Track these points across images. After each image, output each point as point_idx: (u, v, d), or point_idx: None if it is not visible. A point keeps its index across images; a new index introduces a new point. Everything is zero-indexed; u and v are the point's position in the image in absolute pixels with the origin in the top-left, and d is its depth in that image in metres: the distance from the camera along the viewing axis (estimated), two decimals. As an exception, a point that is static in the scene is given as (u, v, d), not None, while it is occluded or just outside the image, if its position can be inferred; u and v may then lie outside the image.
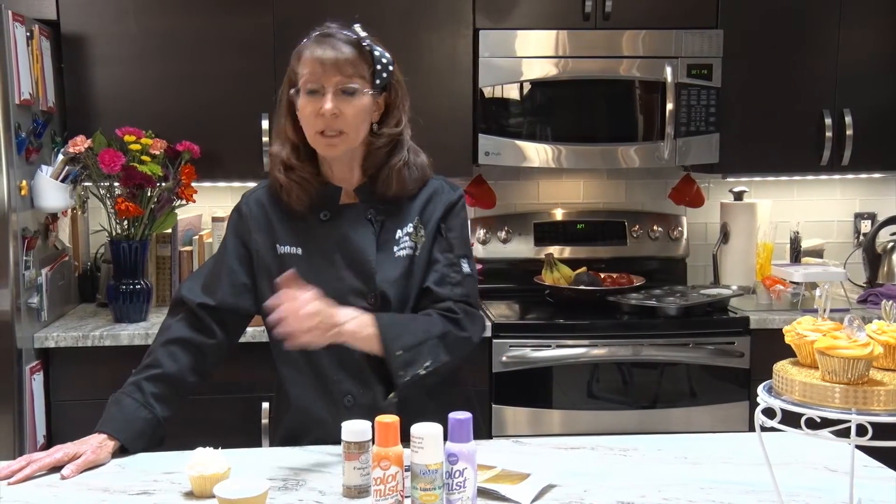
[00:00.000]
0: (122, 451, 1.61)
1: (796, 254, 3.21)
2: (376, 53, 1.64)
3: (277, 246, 1.69)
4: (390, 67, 1.66)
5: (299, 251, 1.68)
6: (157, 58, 2.83)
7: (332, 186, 1.69)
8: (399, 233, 1.69)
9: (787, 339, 1.24)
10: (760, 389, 1.20)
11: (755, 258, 3.11)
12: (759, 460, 1.21)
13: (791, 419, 1.13)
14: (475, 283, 1.75)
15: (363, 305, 1.64)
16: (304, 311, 1.47)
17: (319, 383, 1.68)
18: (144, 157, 2.64)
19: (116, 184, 2.67)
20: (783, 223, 3.27)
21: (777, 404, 1.14)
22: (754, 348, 2.75)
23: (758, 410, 1.17)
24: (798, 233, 3.22)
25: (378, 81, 1.64)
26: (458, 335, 1.65)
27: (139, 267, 2.74)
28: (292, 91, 1.64)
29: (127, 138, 2.65)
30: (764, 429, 1.16)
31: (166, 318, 1.74)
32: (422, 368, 1.58)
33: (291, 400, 1.71)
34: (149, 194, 2.69)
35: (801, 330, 1.23)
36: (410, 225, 1.69)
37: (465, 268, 1.72)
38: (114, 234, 2.72)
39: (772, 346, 2.58)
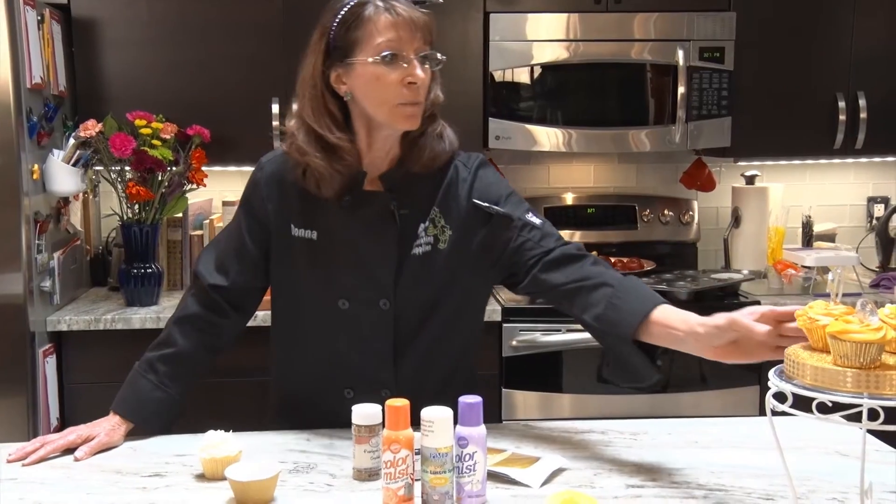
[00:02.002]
0: (135, 432, 1.62)
1: (808, 238, 3.19)
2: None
3: (292, 226, 1.58)
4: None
5: (314, 236, 1.57)
6: (168, 42, 2.83)
7: (358, 171, 1.54)
8: (420, 227, 1.56)
9: (799, 324, 1.23)
10: (771, 374, 1.19)
11: (767, 242, 3.09)
12: (770, 445, 1.21)
13: (802, 403, 1.13)
14: (549, 224, 1.62)
15: (376, 309, 1.56)
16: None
17: (320, 372, 1.63)
18: (155, 142, 2.65)
19: (127, 168, 2.68)
20: (795, 207, 3.25)
21: (788, 388, 1.14)
22: (765, 333, 2.74)
23: (769, 395, 1.16)
24: (810, 217, 3.20)
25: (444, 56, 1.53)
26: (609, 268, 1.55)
27: (150, 251, 2.75)
28: (356, 53, 1.46)
29: (137, 122, 2.66)
30: (775, 413, 1.16)
31: (186, 290, 1.71)
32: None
33: (286, 384, 1.70)
34: (159, 178, 2.70)
35: (812, 314, 1.22)
36: (428, 220, 1.57)
37: (536, 219, 1.58)
38: (125, 218, 2.73)
39: (783, 331, 2.59)
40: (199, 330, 1.65)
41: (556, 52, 2.89)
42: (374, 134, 1.54)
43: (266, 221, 1.61)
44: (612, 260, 3.07)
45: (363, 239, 1.56)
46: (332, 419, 1.60)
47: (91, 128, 2.61)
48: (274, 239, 1.61)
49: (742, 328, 1.30)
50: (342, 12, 1.48)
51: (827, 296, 1.25)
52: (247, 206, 1.64)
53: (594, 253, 3.00)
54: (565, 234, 3.17)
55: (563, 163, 3.33)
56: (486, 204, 1.59)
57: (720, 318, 1.34)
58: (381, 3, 1.47)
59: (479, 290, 1.70)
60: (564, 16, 2.89)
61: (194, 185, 2.81)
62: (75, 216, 2.86)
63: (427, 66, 1.50)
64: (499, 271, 1.62)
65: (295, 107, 1.56)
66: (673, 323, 1.43)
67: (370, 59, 1.46)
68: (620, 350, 1.49)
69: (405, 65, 1.47)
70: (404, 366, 1.60)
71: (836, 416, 1.11)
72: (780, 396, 1.15)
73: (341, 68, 1.49)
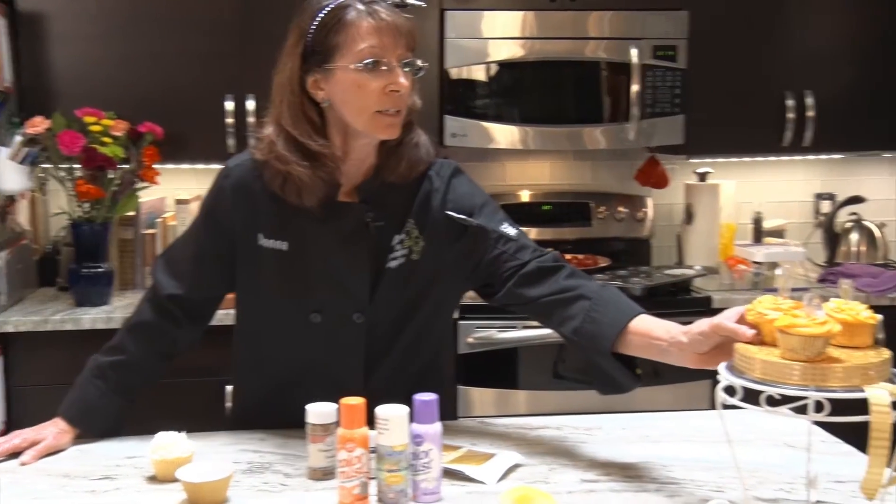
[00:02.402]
0: (83, 435, 1.59)
1: (758, 234, 3.24)
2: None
3: (260, 236, 1.51)
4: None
5: (284, 247, 1.50)
6: (119, 36, 2.78)
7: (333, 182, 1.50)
8: (395, 239, 1.52)
9: (749, 318, 1.25)
10: (721, 367, 1.21)
11: (718, 238, 3.14)
12: (721, 437, 1.23)
13: (752, 397, 1.15)
14: (524, 235, 1.61)
15: (348, 322, 1.52)
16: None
17: (285, 381, 1.59)
18: (106, 139, 2.60)
19: (77, 166, 2.63)
20: (746, 204, 3.30)
21: (738, 382, 1.16)
22: (717, 328, 2.78)
23: (718, 388, 1.18)
24: (760, 213, 3.26)
25: (425, 63, 1.49)
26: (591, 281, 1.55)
27: (101, 250, 2.70)
28: (345, 64, 1.41)
29: (87, 119, 2.61)
30: (725, 406, 1.18)
31: (144, 295, 1.65)
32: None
33: (249, 389, 1.67)
34: (110, 176, 2.65)
35: (761, 309, 1.24)
36: (404, 232, 1.53)
37: (511, 230, 1.57)
38: (74, 216, 2.68)
39: (734, 326, 2.63)
40: (152, 339, 1.61)
41: (511, 50, 2.90)
42: (350, 142, 1.49)
43: (231, 230, 1.54)
44: (568, 257, 3.10)
45: (337, 251, 1.51)
46: (295, 426, 1.58)
47: (38, 125, 2.56)
48: (239, 249, 1.55)
49: (727, 331, 1.26)
50: (321, 15, 1.43)
51: (776, 290, 1.27)
52: (210, 214, 1.57)
53: (550, 250, 3.05)
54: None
55: (519, 160, 3.34)
56: (460, 216, 1.55)
57: (703, 325, 1.32)
58: (362, 7, 1.42)
59: (452, 299, 1.67)
60: (520, 14, 2.90)
61: (146, 184, 2.76)
62: (22, 215, 2.80)
63: (409, 73, 1.46)
64: (473, 282, 1.61)
65: (270, 113, 1.50)
66: (654, 333, 1.42)
67: (352, 66, 1.41)
68: (600, 362, 1.48)
69: (387, 72, 1.42)
70: (375, 377, 1.56)
71: (784, 409, 1.13)
72: (729, 390, 1.17)
73: (319, 74, 1.44)
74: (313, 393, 1.45)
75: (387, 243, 1.52)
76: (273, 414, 1.62)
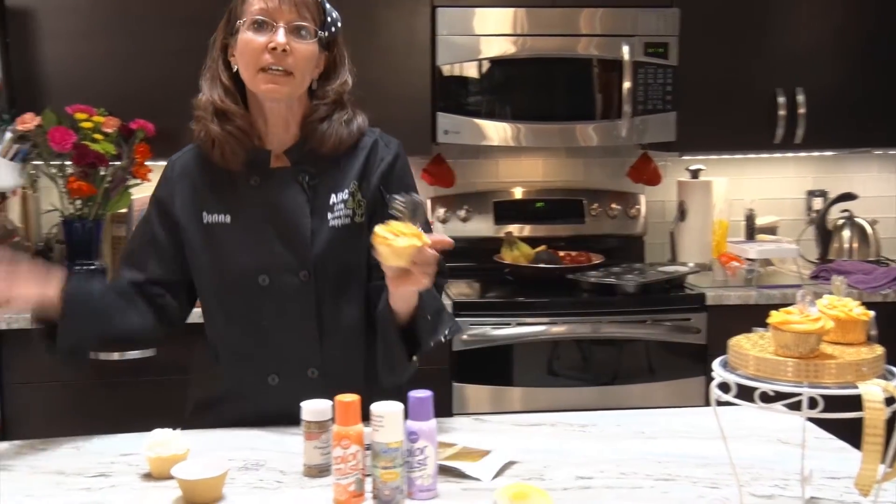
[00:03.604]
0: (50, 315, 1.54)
1: (751, 231, 3.25)
2: (327, 6, 1.61)
3: (204, 214, 1.61)
4: (339, 24, 1.63)
5: (227, 219, 1.60)
6: (110, 33, 2.77)
7: (261, 150, 1.61)
8: (333, 198, 1.61)
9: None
10: (716, 364, 1.21)
11: (711, 235, 3.15)
12: (715, 434, 1.23)
13: (746, 393, 1.15)
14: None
15: (296, 281, 1.59)
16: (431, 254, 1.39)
17: (244, 359, 1.63)
18: (97, 136, 2.59)
19: (68, 162, 2.62)
20: (738, 201, 3.31)
21: (732, 379, 1.16)
22: (710, 324, 2.80)
23: (713, 385, 1.19)
24: (753, 210, 3.27)
25: (326, 34, 1.59)
26: None
27: (93, 247, 2.69)
28: (239, 22, 1.56)
29: (78, 116, 2.60)
30: (719, 403, 1.18)
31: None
32: (443, 336, 1.56)
33: (209, 379, 1.68)
34: (102, 173, 2.64)
35: (382, 232, 1.33)
36: (347, 191, 1.61)
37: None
38: (66, 213, 2.67)
39: (727, 322, 2.63)
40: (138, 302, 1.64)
41: (503, 47, 2.90)
42: (261, 106, 1.60)
43: (177, 216, 1.63)
44: (561, 254, 3.10)
45: (276, 214, 1.59)
46: (257, 411, 1.61)
47: (29, 121, 2.54)
48: (185, 232, 1.62)
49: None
50: None
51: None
52: (157, 202, 1.66)
53: (543, 247, 3.06)
54: (514, 227, 3.22)
55: (511, 157, 3.35)
56: (389, 195, 1.61)
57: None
58: None
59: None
60: (511, 10, 2.90)
61: (138, 181, 2.75)
62: (14, 212, 2.78)
63: (300, 38, 1.55)
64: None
65: None
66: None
67: (246, 27, 1.55)
68: (387, 336, 1.54)
69: (271, 32, 1.53)
70: (330, 345, 1.61)
71: (778, 405, 1.13)
72: (724, 386, 1.18)
73: (232, 39, 1.59)
74: (270, 368, 1.57)
75: (325, 202, 1.60)
76: (233, 402, 1.64)
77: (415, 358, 1.58)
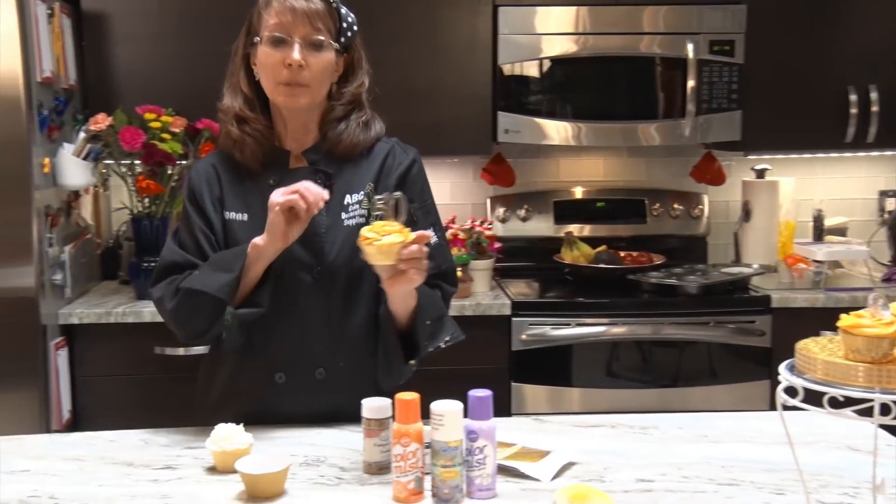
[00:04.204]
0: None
1: (819, 232, 3.17)
2: (342, 11, 1.64)
3: (225, 212, 1.65)
4: (355, 27, 1.65)
5: (245, 217, 1.63)
6: (178, 35, 2.83)
7: (281, 150, 1.65)
8: (348, 198, 1.63)
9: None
10: (782, 368, 1.19)
11: (777, 236, 3.08)
12: (781, 439, 1.21)
13: (813, 398, 1.12)
14: (445, 250, 1.71)
15: (308, 279, 1.61)
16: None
17: (252, 356, 1.63)
18: (165, 135, 2.65)
19: (137, 161, 2.69)
20: (806, 201, 3.23)
21: (799, 383, 1.13)
22: (776, 327, 2.74)
23: (779, 389, 1.16)
24: (821, 211, 3.19)
25: (343, 40, 1.62)
26: None
27: (160, 244, 2.75)
28: (256, 39, 1.60)
29: (147, 116, 2.66)
30: (786, 407, 1.16)
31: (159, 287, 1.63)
32: (443, 342, 1.59)
33: (222, 372, 1.68)
34: (169, 172, 2.70)
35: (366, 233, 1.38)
36: (362, 192, 1.64)
37: (433, 238, 1.61)
38: (135, 211, 2.74)
39: (793, 325, 2.57)
40: None
41: (565, 46, 2.88)
42: (281, 111, 1.64)
43: (209, 210, 1.66)
44: (622, 254, 3.07)
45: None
46: (261, 409, 1.62)
47: (101, 121, 2.62)
48: (214, 226, 1.65)
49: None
50: (260, 0, 1.63)
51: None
52: (191, 202, 1.67)
53: (603, 247, 3.04)
54: (575, 227, 3.19)
55: (572, 156, 3.32)
56: (373, 196, 1.64)
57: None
58: None
59: None
60: (573, 9, 2.88)
61: (204, 179, 2.81)
62: (86, 210, 2.87)
63: (316, 50, 1.58)
64: None
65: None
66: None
67: (263, 42, 1.60)
68: (386, 338, 1.59)
69: (287, 47, 1.57)
70: (340, 346, 1.63)
71: (848, 411, 1.10)
72: (790, 391, 1.15)
73: (252, 49, 1.63)
74: (277, 367, 1.61)
75: (339, 201, 1.62)
76: (240, 400, 1.64)
77: (412, 362, 1.61)
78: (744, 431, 1.60)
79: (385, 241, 1.39)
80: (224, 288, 1.53)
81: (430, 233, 1.46)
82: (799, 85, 2.98)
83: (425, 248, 1.45)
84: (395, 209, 1.43)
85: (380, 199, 1.45)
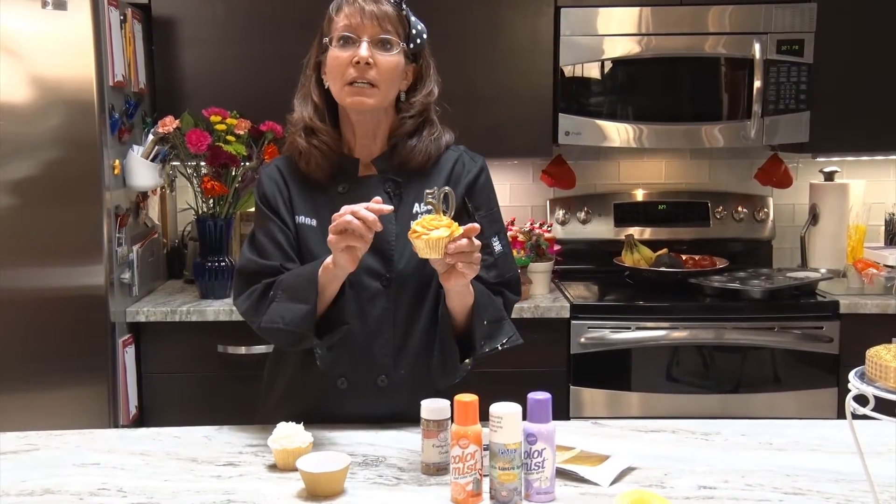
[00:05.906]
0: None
1: (892, 236, 3.08)
2: (412, 18, 1.64)
3: (296, 216, 1.66)
4: (424, 36, 1.65)
5: (314, 222, 1.64)
6: (242, 39, 2.89)
7: (350, 158, 1.66)
8: (417, 207, 1.63)
9: (410, 236, 1.23)
10: (852, 376, 1.16)
11: (846, 240, 3.00)
12: (849, 448, 1.18)
13: (885, 407, 1.09)
14: (510, 259, 1.70)
15: (377, 286, 1.61)
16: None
17: (315, 360, 1.63)
18: (229, 137, 2.70)
19: (203, 163, 2.74)
20: (878, 204, 3.14)
21: (870, 391, 1.10)
22: (844, 333, 2.66)
23: (849, 397, 1.13)
24: (893, 214, 3.09)
25: (412, 46, 1.63)
26: None
27: (224, 244, 2.81)
28: (326, 40, 1.62)
29: (213, 118, 2.72)
30: (855, 416, 1.13)
31: (243, 291, 1.64)
32: (500, 344, 1.59)
33: (285, 373, 1.70)
34: (233, 173, 2.75)
35: (416, 227, 1.36)
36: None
37: (497, 246, 1.67)
38: (200, 212, 2.80)
39: (863, 332, 2.51)
40: None
41: (627, 47, 2.86)
42: (350, 119, 1.65)
43: (281, 211, 1.67)
44: (684, 257, 3.03)
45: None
46: (320, 413, 1.62)
47: (169, 124, 2.68)
48: (288, 226, 1.66)
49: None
50: (331, 6, 1.66)
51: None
52: (264, 204, 1.67)
53: (664, 250, 2.99)
54: (636, 230, 3.16)
55: (633, 158, 3.29)
56: (472, 206, 1.66)
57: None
58: None
59: None
60: (636, 9, 2.85)
61: (267, 181, 2.85)
62: (153, 210, 2.94)
63: (384, 50, 1.59)
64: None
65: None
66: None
67: (333, 43, 1.61)
68: (443, 335, 1.59)
69: (355, 47, 1.59)
70: (404, 355, 1.63)
71: (922, 422, 1.07)
72: (860, 399, 1.12)
73: (323, 58, 1.64)
74: (340, 371, 1.61)
75: (409, 210, 1.63)
76: (302, 401, 1.64)
77: (467, 361, 1.60)
78: (810, 440, 1.56)
79: (433, 235, 1.41)
80: (302, 322, 1.52)
81: (477, 225, 1.45)
82: (870, 85, 2.90)
83: (476, 242, 1.45)
84: (444, 203, 1.44)
85: (429, 194, 1.45)
